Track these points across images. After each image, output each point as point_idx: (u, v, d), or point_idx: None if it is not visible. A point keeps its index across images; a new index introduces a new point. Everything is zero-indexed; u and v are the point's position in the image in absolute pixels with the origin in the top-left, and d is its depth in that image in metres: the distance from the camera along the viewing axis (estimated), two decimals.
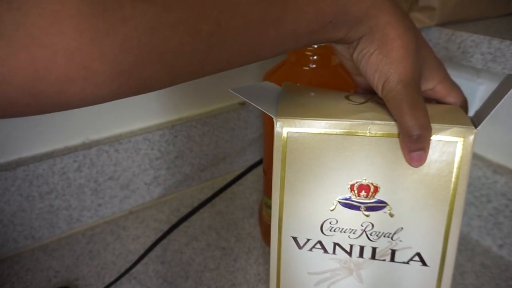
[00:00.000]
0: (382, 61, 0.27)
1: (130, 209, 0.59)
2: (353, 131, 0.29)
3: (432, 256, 0.31)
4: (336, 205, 0.31)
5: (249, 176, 0.66)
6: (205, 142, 0.62)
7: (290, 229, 0.32)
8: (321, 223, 0.31)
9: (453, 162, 0.28)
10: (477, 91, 0.49)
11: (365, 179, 0.29)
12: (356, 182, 0.30)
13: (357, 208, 0.30)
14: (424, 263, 0.31)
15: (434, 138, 0.28)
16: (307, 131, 0.29)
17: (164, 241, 0.52)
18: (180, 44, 0.20)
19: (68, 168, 0.52)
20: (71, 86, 0.19)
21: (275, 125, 0.29)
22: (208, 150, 0.63)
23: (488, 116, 0.27)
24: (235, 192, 0.62)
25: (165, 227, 0.55)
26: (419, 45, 0.28)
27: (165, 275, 0.48)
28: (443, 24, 0.44)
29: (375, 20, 0.26)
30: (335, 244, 0.32)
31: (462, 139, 0.28)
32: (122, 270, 0.47)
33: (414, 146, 0.28)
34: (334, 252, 0.32)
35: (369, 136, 0.28)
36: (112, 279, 0.45)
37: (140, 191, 0.59)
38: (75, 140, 0.53)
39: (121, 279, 0.45)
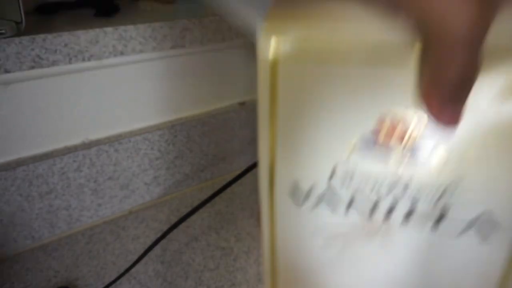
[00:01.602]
0: None
1: (130, 209, 0.59)
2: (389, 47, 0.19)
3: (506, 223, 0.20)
4: (355, 146, 0.21)
5: (249, 176, 0.66)
6: (205, 142, 0.62)
7: (286, 179, 0.23)
8: (330, 170, 0.22)
9: None
10: None
11: (402, 111, 0.20)
12: (388, 115, 0.20)
13: (387, 151, 0.21)
14: (485, 238, 0.21)
15: None
16: (313, 44, 0.19)
17: (164, 241, 0.52)
18: None
19: (67, 168, 0.52)
20: None
21: (258, 34, 0.19)
22: (208, 150, 0.63)
23: None
24: (235, 192, 0.62)
25: (165, 227, 0.55)
26: None
27: (165, 275, 0.48)
28: None
29: None
30: (351, 199, 0.23)
31: None
32: (122, 270, 0.47)
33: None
34: (348, 211, 0.23)
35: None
36: (112, 279, 0.45)
37: (140, 191, 0.59)
38: (75, 140, 0.53)
39: (121, 279, 0.45)
